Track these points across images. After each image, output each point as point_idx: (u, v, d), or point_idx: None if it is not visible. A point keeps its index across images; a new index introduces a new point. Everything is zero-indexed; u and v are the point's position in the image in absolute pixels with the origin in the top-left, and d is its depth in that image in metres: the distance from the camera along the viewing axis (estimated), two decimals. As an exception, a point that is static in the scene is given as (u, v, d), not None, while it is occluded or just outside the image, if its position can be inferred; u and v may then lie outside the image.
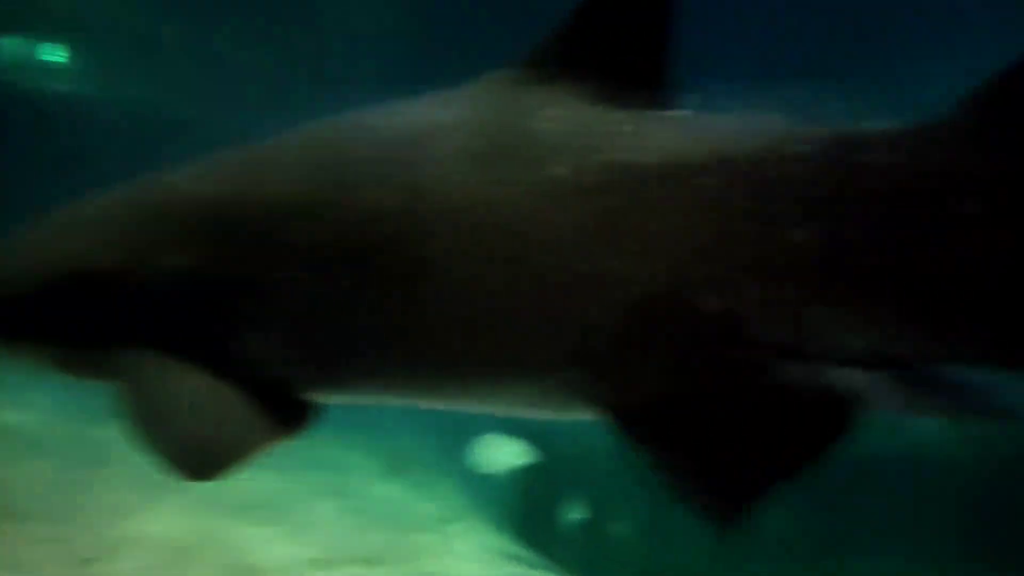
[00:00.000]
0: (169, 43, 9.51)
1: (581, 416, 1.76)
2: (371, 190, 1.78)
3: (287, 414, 1.79)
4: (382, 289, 1.75)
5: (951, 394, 1.63)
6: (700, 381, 1.63)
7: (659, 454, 1.61)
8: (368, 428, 7.99)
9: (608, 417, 1.67)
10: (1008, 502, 5.46)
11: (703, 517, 1.57)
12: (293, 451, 6.63)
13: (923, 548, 5.63)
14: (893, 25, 7.86)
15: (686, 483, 1.59)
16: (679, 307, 1.62)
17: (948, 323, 1.62)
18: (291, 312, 1.80)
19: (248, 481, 6.61)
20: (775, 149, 1.65)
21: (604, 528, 6.46)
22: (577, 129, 1.76)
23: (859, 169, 1.63)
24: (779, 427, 1.58)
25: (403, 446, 8.29)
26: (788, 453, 1.57)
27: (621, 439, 1.63)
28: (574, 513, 6.53)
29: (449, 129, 1.83)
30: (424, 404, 1.87)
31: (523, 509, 6.79)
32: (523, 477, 6.76)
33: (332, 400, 1.91)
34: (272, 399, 1.78)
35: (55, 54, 11.84)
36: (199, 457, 1.66)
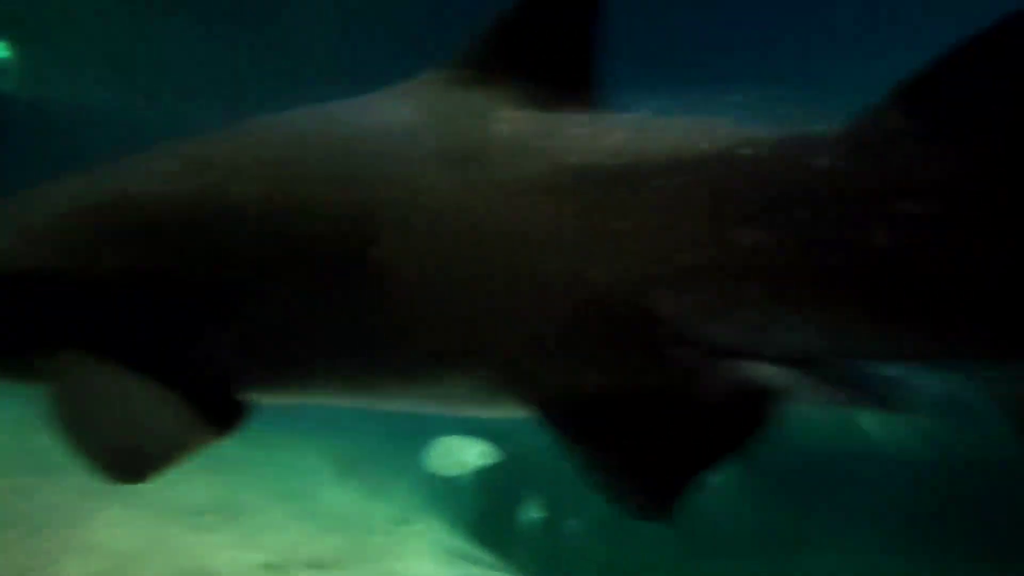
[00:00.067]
0: (119, 39, 9.32)
1: (516, 413, 1.76)
2: (309, 188, 1.77)
3: (221, 414, 1.76)
4: (319, 288, 1.74)
5: (863, 387, 1.66)
6: (629, 378, 1.65)
7: (589, 450, 1.63)
8: (322, 430, 7.92)
9: (540, 414, 1.69)
10: (964, 500, 5.58)
11: (632, 511, 1.60)
12: (245, 455, 6.54)
13: (879, 543, 5.73)
14: (823, 26, 7.99)
15: (615, 478, 1.62)
16: (611, 306, 1.64)
17: (890, 320, 1.64)
18: (227, 312, 1.77)
19: (199, 486, 6.56)
20: (721, 151, 1.67)
21: (562, 526, 6.46)
22: (517, 129, 1.78)
23: (801, 171, 1.64)
24: (703, 421, 1.61)
25: (357, 448, 8.23)
26: (712, 446, 1.61)
27: (552, 435, 1.65)
28: (531, 512, 6.53)
29: (390, 129, 1.84)
30: (363, 403, 1.86)
31: (480, 509, 6.78)
32: (480, 477, 6.75)
33: (272, 400, 1.88)
34: (206, 399, 1.75)
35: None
36: (126, 459, 1.63)
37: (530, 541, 6.47)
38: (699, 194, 1.66)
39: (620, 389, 1.66)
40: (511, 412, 1.77)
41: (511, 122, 1.81)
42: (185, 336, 1.79)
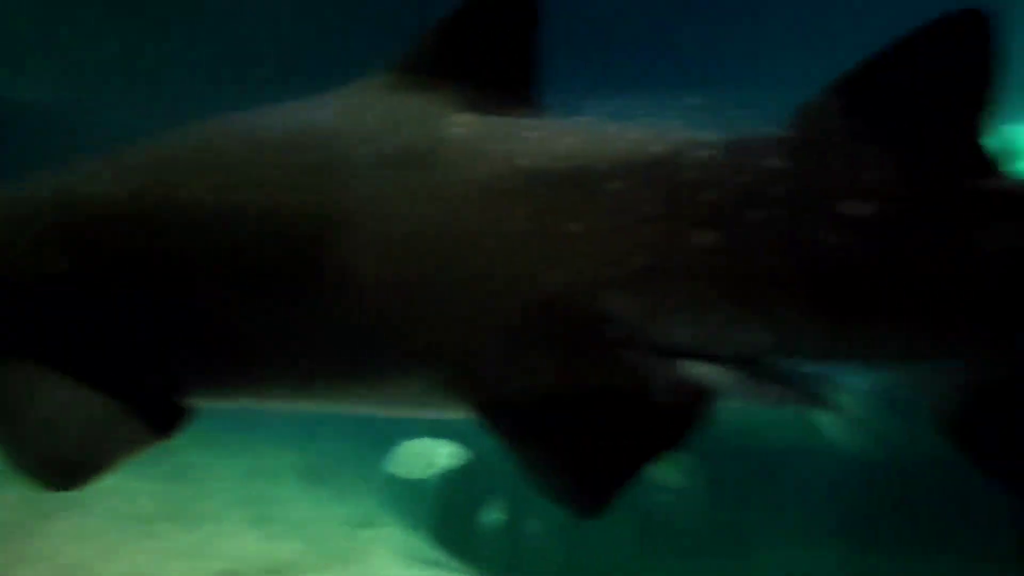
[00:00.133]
0: (25, 32, 9.06)
1: (463, 415, 1.77)
2: (258, 192, 1.76)
3: (160, 418, 1.74)
4: (265, 292, 1.73)
5: (797, 386, 1.69)
6: (574, 378, 1.66)
7: (529, 449, 1.64)
8: (283, 434, 7.86)
9: (478, 414, 1.69)
10: (915, 499, 5.68)
11: (569, 509, 1.61)
12: (203, 461, 6.48)
13: (831, 539, 5.82)
14: (758, 28, 8.08)
15: (554, 477, 1.63)
16: (562, 307, 1.65)
17: (839, 319, 1.66)
18: (169, 316, 1.76)
19: (154, 494, 6.47)
20: (673, 154, 1.68)
21: (523, 528, 6.47)
22: (467, 132, 1.79)
23: (751, 173, 1.66)
24: (641, 420, 1.62)
25: (319, 452, 8.17)
26: (649, 444, 1.62)
27: (493, 435, 1.65)
28: (493, 514, 6.52)
29: (338, 132, 1.83)
30: (314, 407, 1.85)
31: (443, 511, 6.76)
32: (444, 480, 6.73)
33: (225, 404, 1.87)
34: (145, 403, 1.73)
35: None
36: (58, 467, 1.61)
37: (492, 543, 6.46)
38: (652, 196, 1.67)
39: (563, 389, 1.67)
40: (458, 414, 1.77)
41: (460, 125, 1.81)
42: (125, 340, 1.77)
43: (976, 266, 1.61)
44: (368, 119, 1.84)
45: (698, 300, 1.64)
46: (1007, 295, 1.61)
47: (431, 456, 6.77)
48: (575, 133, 1.78)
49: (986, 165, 1.66)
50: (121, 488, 6.10)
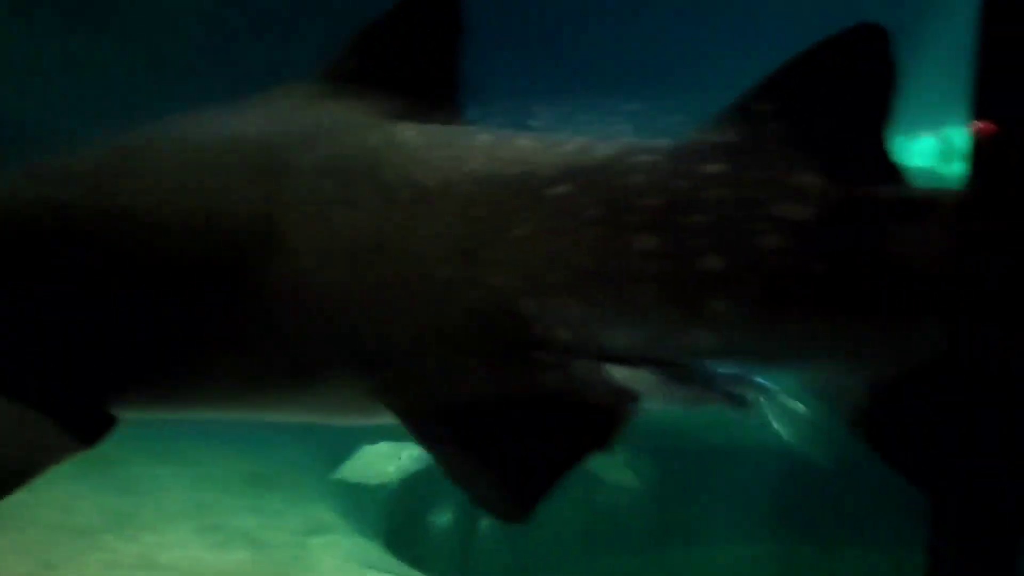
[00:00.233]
0: None
1: (380, 421, 1.77)
2: (186, 199, 1.75)
3: (82, 426, 1.71)
4: (191, 300, 1.71)
5: (715, 387, 1.73)
6: (493, 382, 1.67)
7: (449, 455, 1.65)
8: (233, 443, 7.75)
9: (403, 420, 1.70)
10: (849, 494, 5.81)
11: (494, 513, 1.63)
12: (148, 472, 6.36)
13: (772, 533, 5.94)
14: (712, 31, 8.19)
15: (476, 481, 1.64)
16: (478, 312, 1.66)
17: (776, 322, 1.70)
18: (86, 324, 1.73)
19: (97, 506, 6.33)
20: (617, 158, 1.71)
21: (475, 529, 6.47)
22: (405, 138, 1.79)
23: (693, 177, 1.69)
24: (563, 424, 1.65)
25: (268, 459, 8.07)
26: (572, 448, 1.64)
27: (417, 441, 1.66)
28: (444, 517, 6.51)
29: (268, 139, 1.83)
30: (233, 415, 1.84)
31: (394, 517, 6.73)
32: (394, 485, 6.70)
33: (153, 415, 1.85)
34: (65, 411, 1.70)
35: None
36: None
37: (442, 546, 6.45)
38: (595, 200, 1.69)
39: (489, 394, 1.68)
40: (388, 420, 1.77)
41: (390, 133, 1.82)
42: (47, 349, 1.74)
43: (883, 268, 1.67)
44: (297, 125, 1.84)
45: (639, 304, 1.67)
46: (908, 296, 1.67)
47: (390, 461, 6.74)
48: (512, 140, 1.80)
49: (891, 173, 1.73)
50: (62, 500, 5.97)
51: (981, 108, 1.45)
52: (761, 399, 1.87)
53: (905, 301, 1.65)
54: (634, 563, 6.12)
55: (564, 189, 1.71)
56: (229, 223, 1.71)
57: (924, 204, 1.68)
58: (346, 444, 6.96)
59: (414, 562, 6.29)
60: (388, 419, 1.76)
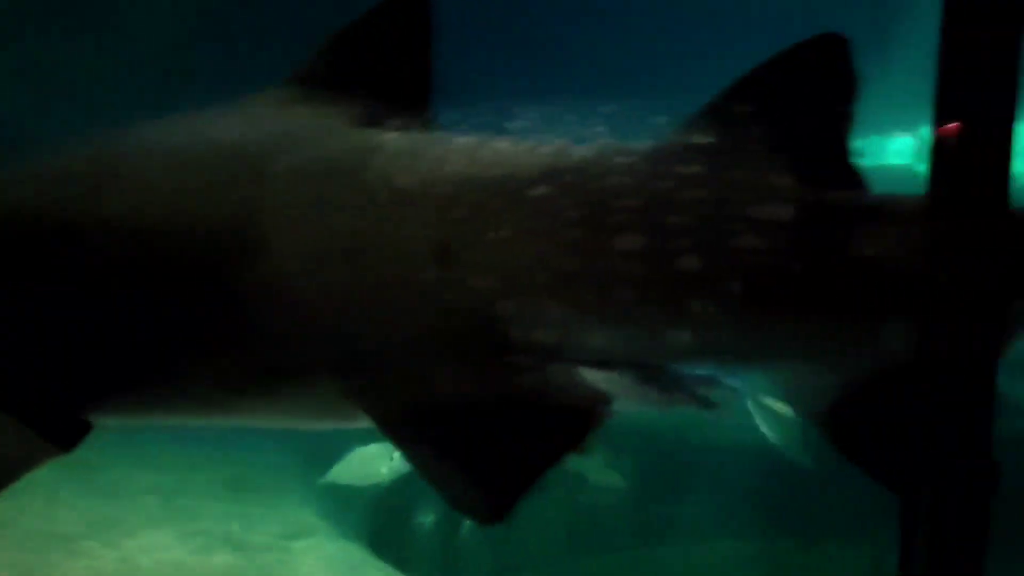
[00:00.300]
0: None
1: (357, 425, 1.78)
2: (152, 205, 1.75)
3: (57, 432, 1.71)
4: (166, 305, 1.71)
5: (684, 388, 1.75)
6: (468, 385, 1.68)
7: (426, 457, 1.66)
8: (216, 448, 7.72)
9: (379, 424, 1.70)
10: (834, 495, 5.86)
11: (471, 516, 1.64)
12: (129, 477, 6.33)
13: (750, 531, 6.00)
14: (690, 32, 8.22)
15: (452, 484, 1.65)
16: (448, 314, 1.68)
17: (756, 322, 1.72)
18: (61, 330, 1.73)
19: (77, 512, 6.29)
20: (596, 160, 1.72)
21: (458, 529, 6.47)
22: (362, 144, 1.80)
23: (672, 178, 1.71)
24: (539, 426, 1.66)
25: (250, 463, 8.04)
26: (547, 449, 1.66)
27: (394, 444, 1.67)
28: (427, 518, 6.50)
29: (243, 144, 1.84)
30: (209, 421, 1.84)
31: (377, 519, 6.72)
32: (377, 487, 6.69)
33: (134, 421, 1.85)
34: (38, 418, 1.70)
35: None
36: None
37: (425, 547, 6.45)
38: (576, 202, 1.70)
39: (464, 397, 1.69)
40: (365, 424, 1.78)
41: (366, 137, 1.83)
42: (22, 354, 1.74)
43: (852, 270, 1.70)
44: (271, 130, 1.84)
45: (618, 304, 1.68)
46: (871, 299, 1.70)
47: (382, 461, 6.72)
48: (489, 143, 1.81)
49: (852, 177, 1.76)
50: (43, 507, 5.94)
51: (944, 109, 1.47)
52: (748, 402, 1.90)
53: (875, 302, 1.68)
54: (617, 562, 6.15)
55: (543, 191, 1.72)
56: (205, 228, 1.72)
57: (887, 208, 1.72)
58: (328, 446, 6.94)
59: (398, 563, 6.29)
60: (365, 423, 1.76)
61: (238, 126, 1.86)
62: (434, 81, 1.95)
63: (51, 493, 6.04)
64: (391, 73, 1.92)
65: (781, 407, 5.62)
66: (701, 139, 1.76)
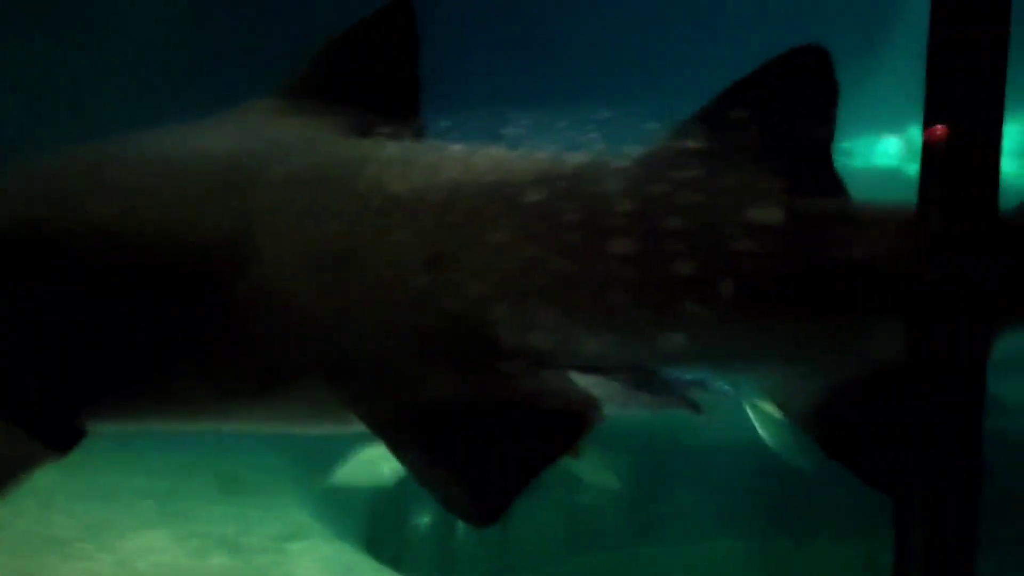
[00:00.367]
0: None
1: (352, 430, 1.79)
2: (148, 212, 1.76)
3: (52, 437, 1.72)
4: (162, 312, 1.72)
5: (671, 392, 1.77)
6: (464, 389, 1.70)
7: (420, 460, 1.67)
8: (204, 449, 7.70)
9: (373, 428, 1.72)
10: (828, 493, 5.89)
11: (463, 518, 1.65)
12: (124, 481, 6.33)
13: (748, 530, 6.02)
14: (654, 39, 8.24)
15: (446, 486, 1.67)
16: (443, 319, 1.69)
17: (750, 324, 1.74)
18: (57, 336, 1.74)
19: (72, 515, 6.28)
20: (591, 165, 1.74)
21: (453, 531, 6.48)
22: (350, 151, 1.82)
23: (667, 183, 1.73)
24: (531, 429, 1.68)
25: (246, 465, 8.03)
26: (539, 452, 1.67)
27: (388, 446, 1.68)
28: (424, 519, 6.52)
29: (237, 153, 1.86)
30: (207, 426, 1.85)
31: (374, 521, 6.73)
32: (374, 489, 6.70)
33: (129, 427, 1.85)
34: (36, 423, 1.71)
35: None
36: None
37: (422, 551, 6.46)
38: (572, 206, 1.72)
39: (459, 401, 1.70)
40: (361, 428, 1.79)
41: (363, 144, 1.85)
42: (18, 361, 1.74)
43: (835, 275, 1.72)
44: (263, 139, 1.86)
45: (613, 308, 1.70)
46: (860, 302, 1.72)
47: (373, 465, 6.73)
48: (484, 149, 1.83)
49: (835, 185, 1.79)
50: (37, 510, 5.93)
51: (933, 112, 1.48)
52: (743, 403, 1.92)
53: (864, 305, 1.70)
54: (613, 562, 6.18)
55: (536, 196, 1.73)
56: (199, 236, 1.73)
57: (875, 212, 1.74)
58: (324, 449, 6.94)
59: (394, 565, 6.29)
60: (360, 427, 1.77)
61: (232, 135, 1.88)
62: (423, 89, 1.98)
63: (46, 496, 6.03)
64: (380, 82, 1.95)
65: (774, 408, 5.63)
66: (693, 144, 1.78)
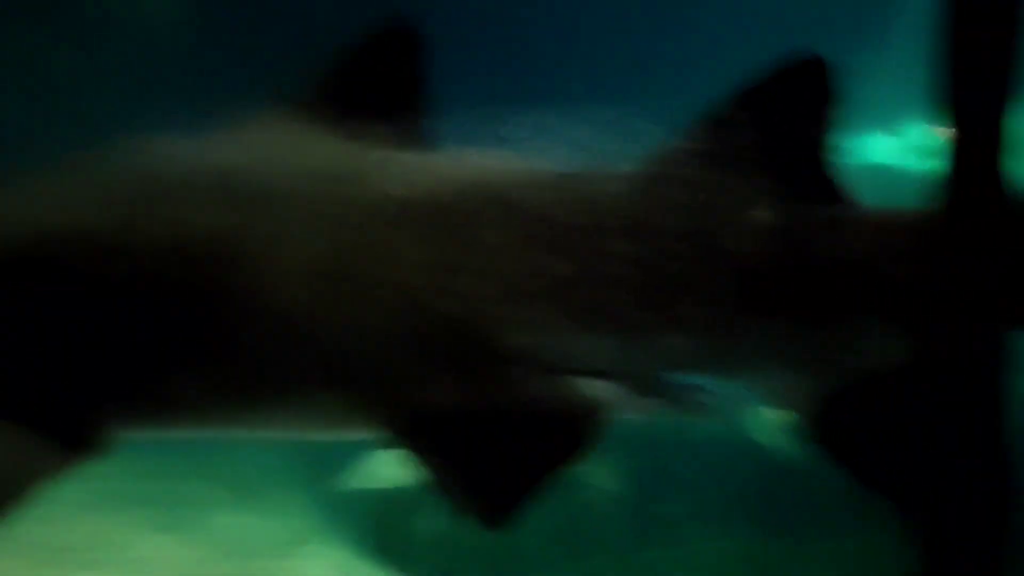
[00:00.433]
0: None
1: (360, 435, 1.80)
2: (167, 217, 1.78)
3: (69, 446, 1.73)
4: (175, 319, 1.74)
5: (671, 395, 1.78)
6: (473, 395, 1.71)
7: (435, 465, 1.69)
8: (211, 454, 7.71)
9: (388, 433, 1.73)
10: (827, 493, 5.90)
11: (476, 521, 1.66)
12: (131, 488, 6.32)
13: (750, 530, 6.03)
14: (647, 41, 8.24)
15: (459, 490, 1.68)
16: (455, 326, 1.70)
17: (745, 324, 1.75)
18: (72, 345, 1.75)
19: (80, 524, 6.29)
20: (592, 166, 1.75)
21: (459, 535, 6.49)
22: (364, 162, 1.83)
23: (665, 183, 1.74)
24: (538, 434, 1.69)
25: (253, 470, 8.03)
26: (546, 457, 1.68)
27: (402, 452, 1.69)
28: (429, 523, 6.52)
29: (247, 161, 1.86)
30: (222, 433, 1.86)
31: (380, 524, 6.73)
32: (380, 492, 6.70)
33: (143, 433, 1.86)
34: (51, 431, 1.72)
35: None
36: None
37: (428, 554, 6.47)
38: (573, 207, 1.73)
39: (472, 405, 1.72)
40: (376, 434, 1.80)
41: (366, 153, 1.86)
42: (36, 369, 1.75)
43: (834, 276, 1.73)
44: (267, 149, 1.87)
45: (620, 306, 1.71)
46: (853, 305, 1.74)
47: (380, 470, 6.73)
48: (483, 156, 1.83)
49: (833, 189, 1.81)
50: (44, 518, 5.93)
51: (948, 111, 1.49)
52: (743, 405, 1.94)
53: (865, 306, 1.71)
54: (614, 563, 6.18)
55: (537, 199, 1.74)
56: (204, 245, 1.74)
57: (876, 214, 1.75)
58: (331, 454, 6.95)
59: (401, 569, 6.30)
60: (370, 432, 1.78)
61: (238, 145, 1.89)
62: (427, 97, 1.99)
63: (51, 504, 6.04)
64: (386, 93, 1.96)
65: (774, 411, 5.63)
66: (702, 144, 1.79)
